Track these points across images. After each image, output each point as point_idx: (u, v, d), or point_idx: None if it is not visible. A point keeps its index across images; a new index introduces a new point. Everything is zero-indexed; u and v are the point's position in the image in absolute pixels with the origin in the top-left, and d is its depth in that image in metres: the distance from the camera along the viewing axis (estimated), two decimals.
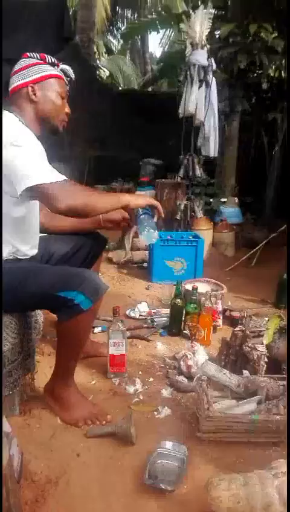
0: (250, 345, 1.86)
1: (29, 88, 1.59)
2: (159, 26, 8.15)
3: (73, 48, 6.06)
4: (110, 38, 14.82)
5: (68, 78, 1.71)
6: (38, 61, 1.62)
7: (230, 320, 2.56)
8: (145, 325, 2.52)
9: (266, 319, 2.05)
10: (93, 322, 1.75)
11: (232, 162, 5.09)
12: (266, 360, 1.83)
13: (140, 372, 2.03)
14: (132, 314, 2.65)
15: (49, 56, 1.64)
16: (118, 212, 1.86)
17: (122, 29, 13.52)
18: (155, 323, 2.53)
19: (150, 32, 10.56)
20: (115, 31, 14.36)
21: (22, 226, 1.64)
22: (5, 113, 1.57)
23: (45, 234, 1.90)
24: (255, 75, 4.94)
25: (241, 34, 4.37)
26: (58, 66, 1.67)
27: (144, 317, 2.63)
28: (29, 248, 1.70)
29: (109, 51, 14.10)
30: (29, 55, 1.63)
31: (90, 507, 1.29)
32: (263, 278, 3.30)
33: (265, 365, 1.83)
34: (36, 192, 1.44)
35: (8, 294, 1.53)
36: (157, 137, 5.88)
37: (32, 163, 1.43)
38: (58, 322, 1.58)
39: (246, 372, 1.79)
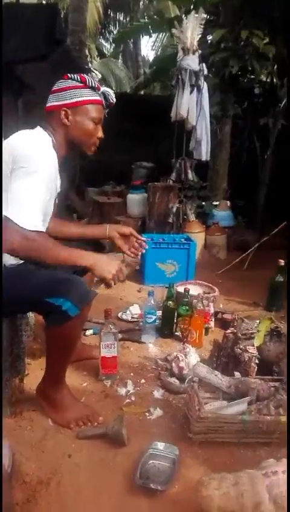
0: (241, 347, 1.88)
1: (62, 112, 1.60)
2: (151, 30, 8.17)
3: (64, 51, 6.03)
4: (103, 41, 14.85)
5: (108, 103, 1.69)
6: (77, 84, 1.61)
7: (222, 322, 2.58)
8: (137, 328, 2.53)
9: (257, 321, 2.07)
10: (82, 327, 1.73)
11: (224, 166, 5.15)
12: (257, 361, 1.85)
13: (132, 374, 2.03)
14: (124, 317, 2.66)
15: (90, 79, 1.62)
16: (128, 228, 1.93)
17: (115, 32, 13.56)
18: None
19: (142, 36, 10.60)
20: (107, 34, 14.39)
21: None
22: (39, 130, 1.61)
23: None
24: (246, 80, 4.99)
25: (233, 39, 4.40)
26: (99, 89, 1.65)
27: (136, 320, 2.63)
28: None
29: (101, 54, 14.08)
30: (69, 76, 1.62)
31: (82, 507, 1.30)
32: (254, 281, 3.32)
33: (256, 367, 1.85)
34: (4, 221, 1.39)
35: None
36: (150, 141, 5.89)
37: (25, 202, 1.40)
38: (47, 327, 1.56)
39: (237, 374, 1.80)
